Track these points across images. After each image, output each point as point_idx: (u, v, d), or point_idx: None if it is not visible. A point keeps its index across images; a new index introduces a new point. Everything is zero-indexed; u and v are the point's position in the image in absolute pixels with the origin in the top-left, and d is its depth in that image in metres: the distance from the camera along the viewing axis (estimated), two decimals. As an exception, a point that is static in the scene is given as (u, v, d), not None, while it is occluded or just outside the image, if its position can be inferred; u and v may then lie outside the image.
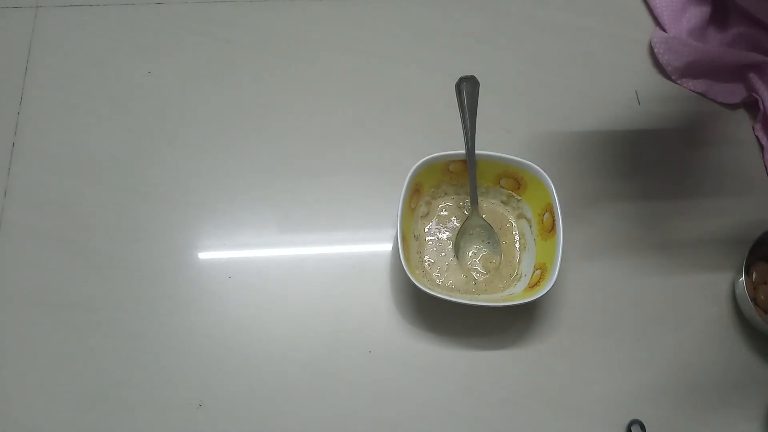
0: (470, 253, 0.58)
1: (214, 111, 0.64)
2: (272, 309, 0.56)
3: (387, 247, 0.59)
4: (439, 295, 0.51)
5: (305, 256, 0.58)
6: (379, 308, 0.56)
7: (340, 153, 0.62)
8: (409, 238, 0.56)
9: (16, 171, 0.60)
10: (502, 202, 0.59)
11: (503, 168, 0.57)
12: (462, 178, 0.58)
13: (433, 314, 0.56)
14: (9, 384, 0.53)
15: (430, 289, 0.51)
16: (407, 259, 0.53)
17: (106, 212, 0.59)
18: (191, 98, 0.64)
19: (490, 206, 0.60)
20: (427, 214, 0.59)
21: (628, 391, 0.55)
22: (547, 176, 0.54)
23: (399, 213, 0.53)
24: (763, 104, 0.64)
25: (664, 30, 0.67)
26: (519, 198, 0.58)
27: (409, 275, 0.51)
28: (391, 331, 0.56)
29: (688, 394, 0.55)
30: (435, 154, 0.55)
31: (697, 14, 0.67)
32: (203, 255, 0.58)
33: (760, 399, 0.55)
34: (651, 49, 0.68)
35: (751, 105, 0.66)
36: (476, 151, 0.55)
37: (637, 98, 0.66)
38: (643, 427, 0.53)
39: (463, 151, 0.55)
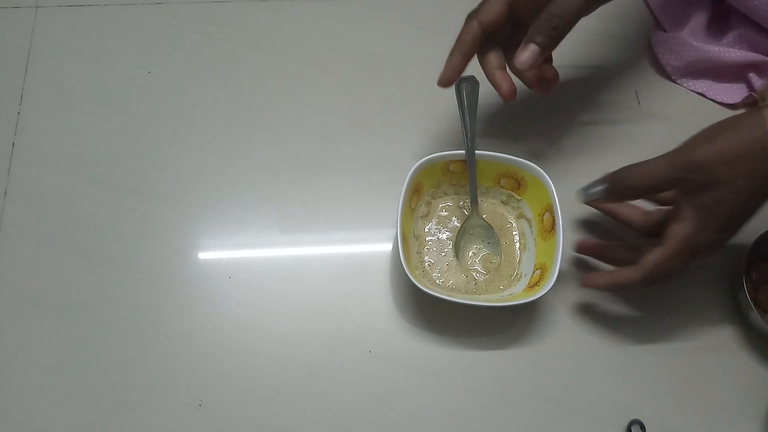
0: (470, 253, 0.58)
1: (214, 111, 0.64)
2: (272, 309, 0.56)
3: (387, 247, 0.59)
4: (439, 295, 0.51)
5: (305, 256, 0.58)
6: (379, 308, 0.56)
7: (340, 153, 0.62)
8: (409, 238, 0.56)
9: (16, 171, 0.60)
10: (502, 202, 0.59)
11: (503, 168, 0.57)
12: (462, 178, 0.58)
13: (433, 314, 0.56)
14: (9, 384, 0.53)
15: (430, 289, 0.51)
16: (407, 259, 0.53)
17: (106, 212, 0.59)
18: (191, 98, 0.64)
19: (490, 206, 0.59)
20: (427, 214, 0.59)
21: (628, 391, 0.55)
22: (547, 176, 0.54)
23: (399, 213, 0.53)
24: (763, 104, 0.64)
25: (664, 30, 0.67)
26: (519, 198, 0.58)
27: (409, 275, 0.51)
28: (391, 331, 0.56)
29: (688, 394, 0.55)
30: (435, 154, 0.55)
31: (697, 14, 0.67)
32: (203, 255, 0.58)
33: (760, 399, 0.55)
34: (651, 49, 0.68)
35: (751, 105, 0.66)
36: (476, 151, 0.55)
37: (637, 98, 0.66)
38: (643, 427, 0.53)
39: (463, 151, 0.55)
